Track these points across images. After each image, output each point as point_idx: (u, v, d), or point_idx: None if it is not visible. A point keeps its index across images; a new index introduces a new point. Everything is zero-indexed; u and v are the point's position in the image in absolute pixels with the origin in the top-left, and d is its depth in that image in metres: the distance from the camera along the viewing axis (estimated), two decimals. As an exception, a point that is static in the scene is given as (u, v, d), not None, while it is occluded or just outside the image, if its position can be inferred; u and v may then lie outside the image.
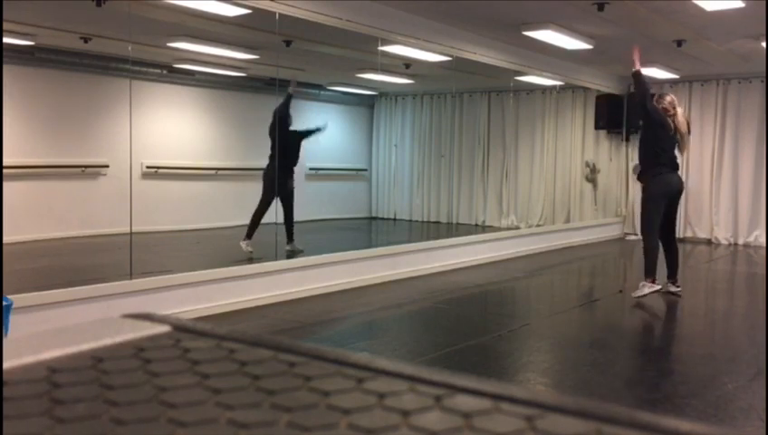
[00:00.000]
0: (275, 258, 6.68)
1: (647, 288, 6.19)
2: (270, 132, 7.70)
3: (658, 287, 6.20)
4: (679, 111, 6.28)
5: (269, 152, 7.66)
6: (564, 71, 10.15)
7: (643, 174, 6.33)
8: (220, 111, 10.85)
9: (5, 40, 6.84)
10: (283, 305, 5.89)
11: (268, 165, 7.66)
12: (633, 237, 11.23)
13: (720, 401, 3.68)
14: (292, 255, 7.37)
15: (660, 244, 6.35)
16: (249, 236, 7.45)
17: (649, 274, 6.21)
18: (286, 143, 7.66)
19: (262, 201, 7.60)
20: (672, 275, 6.44)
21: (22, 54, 8.26)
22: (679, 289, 6.45)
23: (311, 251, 7.37)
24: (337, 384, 0.46)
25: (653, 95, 6.35)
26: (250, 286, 5.84)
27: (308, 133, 8.31)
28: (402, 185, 13.15)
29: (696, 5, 6.51)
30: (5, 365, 0.49)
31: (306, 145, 8.35)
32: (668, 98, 6.28)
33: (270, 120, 7.74)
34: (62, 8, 6.97)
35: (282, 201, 7.69)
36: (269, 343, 0.54)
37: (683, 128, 6.25)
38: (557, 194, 12.02)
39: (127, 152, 6.93)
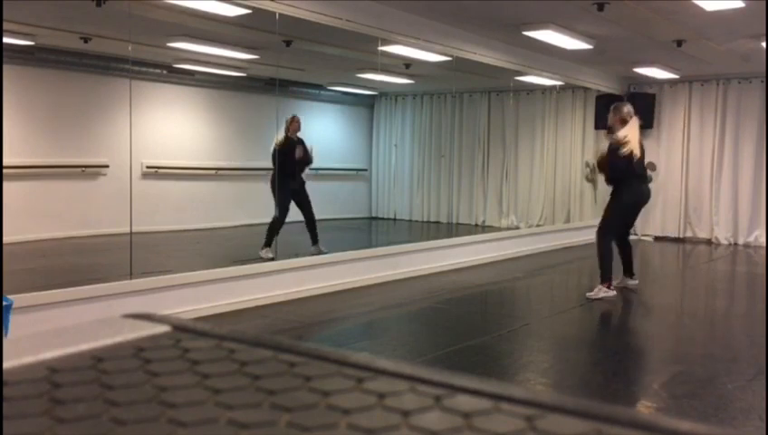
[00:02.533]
0: (276, 258, 6.67)
1: (602, 292, 6.36)
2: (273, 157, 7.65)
3: (614, 293, 6.41)
4: (634, 120, 6.28)
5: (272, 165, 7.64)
6: (564, 71, 10.15)
7: (618, 183, 6.40)
8: (220, 111, 10.85)
9: (5, 40, 6.83)
10: (283, 305, 5.89)
11: (272, 175, 7.61)
12: (632, 237, 11.21)
13: (720, 401, 3.68)
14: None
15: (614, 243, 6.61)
16: (267, 244, 7.36)
17: (606, 279, 6.42)
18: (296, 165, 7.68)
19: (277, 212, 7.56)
20: (629, 271, 6.77)
21: (22, 54, 8.26)
22: (636, 282, 6.80)
23: (310, 251, 7.36)
24: (337, 384, 0.46)
25: (614, 105, 6.45)
26: (250, 286, 5.83)
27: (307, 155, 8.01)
28: (402, 185, 13.14)
29: (696, 5, 6.51)
30: (5, 365, 0.49)
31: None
32: (626, 108, 6.38)
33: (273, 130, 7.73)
34: (61, 8, 6.96)
35: (298, 205, 7.68)
36: (269, 342, 0.54)
37: (638, 141, 6.28)
38: (557, 194, 12.01)
39: (127, 152, 6.93)
